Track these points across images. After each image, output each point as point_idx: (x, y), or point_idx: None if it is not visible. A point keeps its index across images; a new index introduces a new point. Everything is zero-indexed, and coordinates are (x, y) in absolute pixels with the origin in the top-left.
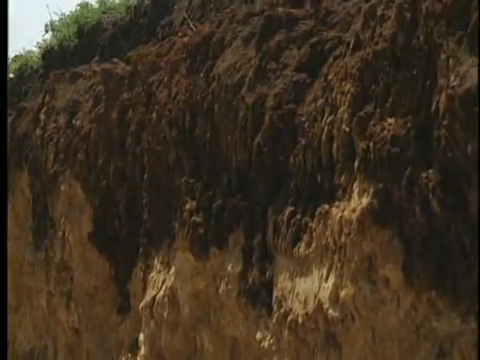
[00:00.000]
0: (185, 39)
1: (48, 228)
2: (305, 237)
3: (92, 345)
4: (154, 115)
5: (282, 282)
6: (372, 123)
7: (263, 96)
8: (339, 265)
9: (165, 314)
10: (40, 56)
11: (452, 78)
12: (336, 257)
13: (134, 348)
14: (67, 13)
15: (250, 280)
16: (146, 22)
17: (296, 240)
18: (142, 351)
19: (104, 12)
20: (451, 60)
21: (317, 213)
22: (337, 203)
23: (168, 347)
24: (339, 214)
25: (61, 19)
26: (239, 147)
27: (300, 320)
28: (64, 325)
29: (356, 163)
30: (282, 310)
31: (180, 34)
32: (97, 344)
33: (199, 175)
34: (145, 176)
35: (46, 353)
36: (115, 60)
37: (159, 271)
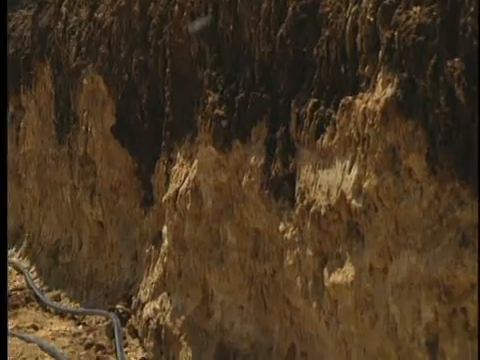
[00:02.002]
0: None
1: (71, 122)
2: (328, 129)
3: (116, 238)
4: (176, 7)
5: (305, 174)
6: (397, 12)
7: None
8: (362, 156)
9: (188, 207)
10: None
11: None
12: (359, 148)
13: (157, 240)
14: None
15: (273, 172)
16: None
17: (319, 132)
18: (165, 243)
19: None
20: None
21: (340, 105)
22: (361, 94)
23: (191, 239)
24: (363, 105)
25: None
26: (262, 39)
27: (323, 211)
28: (88, 218)
29: (380, 53)
30: (305, 202)
31: None
32: (121, 237)
33: (222, 68)
34: (167, 69)
35: (71, 245)
36: None
37: (182, 164)
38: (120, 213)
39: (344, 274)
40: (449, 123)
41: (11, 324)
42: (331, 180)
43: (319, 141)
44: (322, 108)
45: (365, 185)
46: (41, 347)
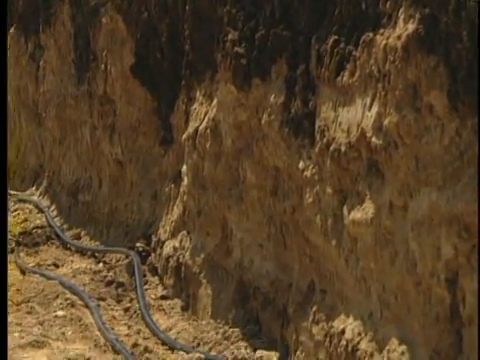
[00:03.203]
0: None
1: (90, 61)
2: (349, 66)
3: (136, 177)
4: None
5: (325, 112)
6: None
7: None
8: (383, 93)
9: (208, 145)
10: None
11: None
12: (380, 85)
13: (177, 179)
14: None
15: (293, 110)
16: None
17: (339, 69)
18: (185, 182)
19: None
20: None
21: (361, 41)
22: (382, 30)
23: (211, 178)
24: (384, 42)
25: None
26: None
27: (343, 149)
28: (108, 157)
29: None
30: (325, 140)
31: None
32: (140, 176)
33: (241, 5)
34: (187, 7)
35: (91, 184)
36: None
37: (201, 103)
38: (140, 152)
39: (364, 211)
40: (471, 59)
41: (32, 262)
42: (351, 117)
43: (339, 78)
44: (343, 45)
45: (385, 122)
46: (62, 284)
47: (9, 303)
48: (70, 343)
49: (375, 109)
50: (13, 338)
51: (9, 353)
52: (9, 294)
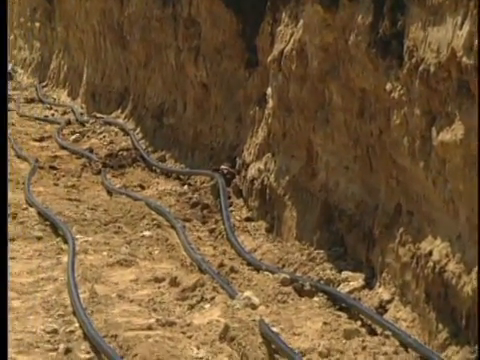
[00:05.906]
0: None
1: None
2: None
3: (220, 100)
4: None
5: (414, 32)
6: None
7: None
8: (475, 12)
9: (293, 67)
10: None
11: None
12: (472, 4)
13: (262, 102)
14: None
15: (381, 31)
16: None
17: None
18: (270, 104)
19: None
20: None
21: None
22: None
23: (296, 100)
24: None
25: None
26: None
27: (432, 69)
28: (192, 80)
29: None
30: (413, 60)
31: None
32: (225, 99)
33: None
34: None
35: (175, 107)
36: None
37: (287, 25)
38: (224, 75)
39: (453, 133)
40: None
41: (118, 183)
42: (441, 37)
43: None
44: None
45: (476, 42)
46: (148, 205)
47: (97, 223)
48: (157, 262)
49: (466, 28)
50: (102, 257)
51: (98, 271)
52: (97, 214)
